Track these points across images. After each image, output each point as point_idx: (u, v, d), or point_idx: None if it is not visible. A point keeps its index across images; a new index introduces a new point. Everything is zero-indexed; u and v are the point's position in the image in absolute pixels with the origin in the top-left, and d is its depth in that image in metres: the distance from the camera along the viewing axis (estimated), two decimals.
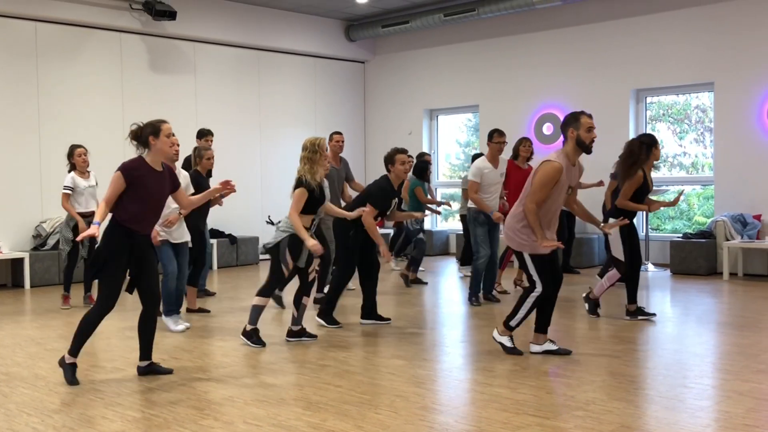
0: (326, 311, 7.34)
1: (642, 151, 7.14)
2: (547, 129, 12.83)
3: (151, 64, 12.21)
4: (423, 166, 10.38)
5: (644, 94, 12.14)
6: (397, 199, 7.42)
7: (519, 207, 5.84)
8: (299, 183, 6.33)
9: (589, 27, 12.37)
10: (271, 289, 6.53)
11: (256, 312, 6.48)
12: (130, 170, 5.22)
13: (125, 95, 11.92)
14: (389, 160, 7.35)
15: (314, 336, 6.71)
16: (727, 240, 10.55)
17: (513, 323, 5.99)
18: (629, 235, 7.26)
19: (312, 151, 6.35)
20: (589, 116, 5.76)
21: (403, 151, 7.40)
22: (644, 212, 7.25)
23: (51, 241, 10.69)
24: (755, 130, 10.88)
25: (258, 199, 13.44)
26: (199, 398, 4.93)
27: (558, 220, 5.94)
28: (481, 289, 8.53)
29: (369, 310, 7.44)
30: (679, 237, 11.13)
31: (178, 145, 6.87)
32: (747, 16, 10.90)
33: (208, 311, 8.23)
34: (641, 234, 11.76)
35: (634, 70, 11.92)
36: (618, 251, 7.28)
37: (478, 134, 14.00)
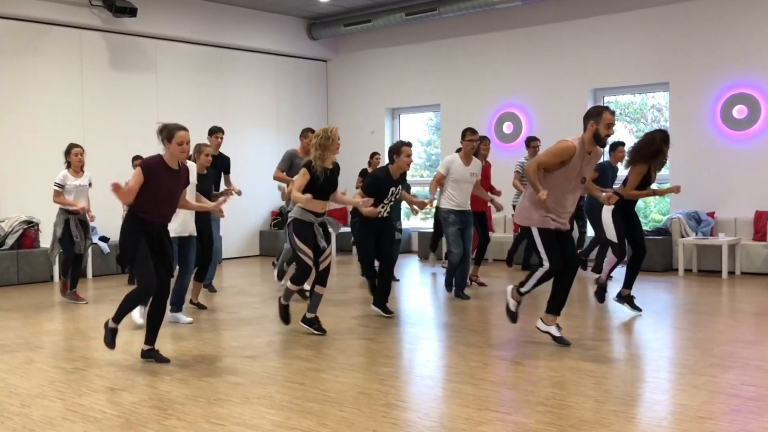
0: (379, 300, 7.62)
1: (661, 144, 7.27)
2: (507, 128, 12.96)
3: (111, 61, 12.08)
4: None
5: (602, 93, 12.34)
6: (398, 187, 7.54)
7: (527, 188, 6.10)
8: (305, 165, 6.61)
9: (549, 27, 12.53)
10: (301, 277, 6.67)
11: (288, 292, 6.82)
12: (148, 169, 5.65)
13: (85, 93, 11.77)
14: (395, 151, 7.52)
15: (323, 331, 6.75)
16: (682, 237, 10.78)
17: (523, 289, 6.21)
18: (625, 221, 7.43)
19: (325, 137, 6.58)
20: (612, 113, 5.97)
21: (409, 144, 7.56)
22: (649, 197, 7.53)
23: (9, 241, 10.52)
24: (710, 129, 11.12)
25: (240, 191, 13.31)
26: (162, 398, 4.92)
27: (572, 208, 6.11)
28: (453, 280, 8.67)
29: (381, 299, 7.64)
30: None
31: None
32: (702, 17, 11.14)
33: (205, 307, 8.29)
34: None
35: (593, 70, 12.10)
36: (612, 234, 7.49)
37: (440, 133, 14.10)
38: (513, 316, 6.33)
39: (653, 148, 7.21)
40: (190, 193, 6.81)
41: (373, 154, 11.44)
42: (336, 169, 6.77)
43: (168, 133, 5.71)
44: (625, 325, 7.18)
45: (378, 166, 10.75)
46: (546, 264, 5.98)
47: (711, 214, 10.99)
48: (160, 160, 5.72)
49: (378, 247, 7.53)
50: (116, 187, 5.51)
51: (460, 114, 13.45)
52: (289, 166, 9.19)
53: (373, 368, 5.59)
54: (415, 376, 5.49)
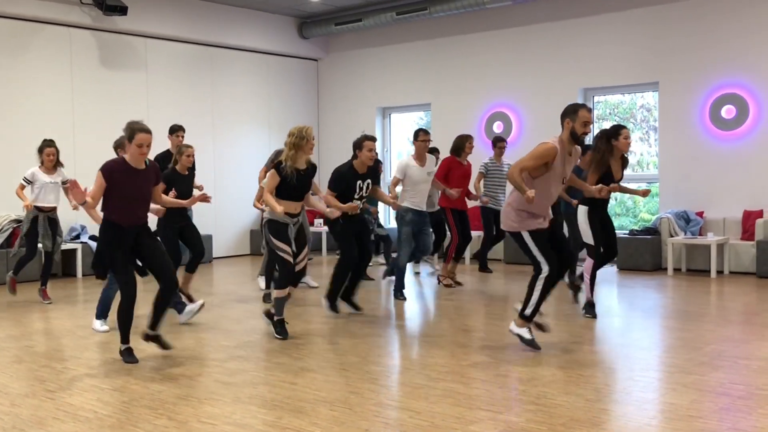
0: (331, 297, 7.57)
1: (602, 143, 7.27)
2: (498, 127, 12.99)
3: (101, 59, 12.04)
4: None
5: (592, 93, 12.38)
6: (366, 182, 7.45)
7: (510, 195, 6.04)
8: (275, 166, 6.55)
9: (539, 27, 12.56)
10: (284, 280, 6.58)
11: (279, 303, 6.65)
12: (108, 171, 5.62)
13: (75, 91, 11.73)
14: (357, 145, 7.50)
15: (285, 335, 6.61)
16: (672, 236, 10.83)
17: (528, 312, 5.97)
18: (601, 224, 7.32)
19: (299, 137, 6.49)
20: (589, 110, 5.94)
21: (372, 138, 7.53)
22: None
23: None
24: (698, 129, 11.18)
25: (212, 197, 13.30)
26: (153, 397, 4.91)
27: (547, 210, 6.06)
28: (403, 286, 8.63)
29: (347, 293, 7.67)
30: (625, 234, 11.38)
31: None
32: (691, 18, 11.20)
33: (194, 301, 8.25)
34: None
35: (582, 70, 12.15)
36: (588, 236, 7.33)
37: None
38: (533, 344, 6.00)
39: (598, 156, 7.22)
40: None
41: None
42: (311, 169, 6.66)
43: (130, 132, 5.61)
44: (614, 324, 7.21)
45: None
46: (545, 268, 5.86)
47: (700, 214, 11.05)
48: (122, 162, 5.68)
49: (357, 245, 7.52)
50: (73, 185, 5.53)
51: (450, 113, 13.47)
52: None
53: (364, 368, 5.59)
54: (405, 375, 5.50)
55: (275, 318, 6.69)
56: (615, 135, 7.27)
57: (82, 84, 11.80)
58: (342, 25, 14.02)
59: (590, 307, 7.39)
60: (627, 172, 12.47)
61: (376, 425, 4.29)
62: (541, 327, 6.13)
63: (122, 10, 11.52)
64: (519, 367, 5.54)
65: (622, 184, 7.52)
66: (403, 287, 8.59)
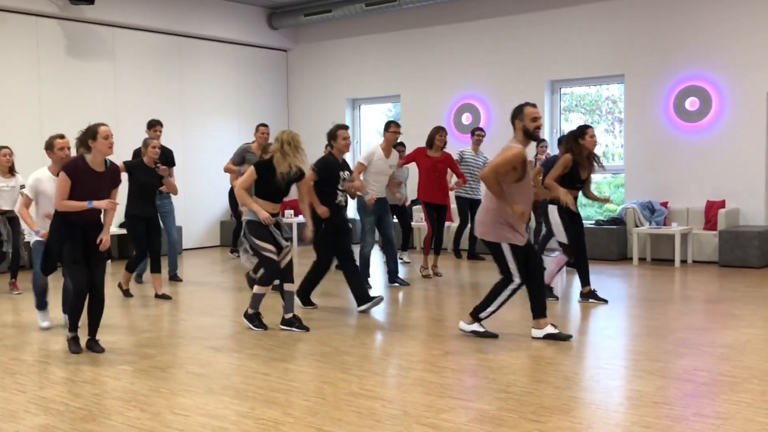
0: (303, 293, 7.57)
1: (568, 141, 7.46)
2: (466, 119, 13.08)
3: (68, 49, 11.89)
4: None
5: (559, 85, 12.51)
6: (346, 172, 7.55)
7: (490, 203, 5.98)
8: (258, 164, 6.57)
9: (507, 19, 12.65)
10: (269, 277, 6.58)
11: (256, 299, 6.63)
12: (71, 170, 5.70)
13: (42, 81, 11.57)
14: (332, 135, 7.54)
15: (306, 328, 6.59)
16: (637, 226, 11.01)
17: (483, 315, 6.11)
18: (571, 221, 7.49)
19: (295, 145, 6.46)
20: (533, 106, 5.98)
21: (345, 127, 7.59)
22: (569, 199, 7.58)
23: None
24: (663, 121, 11.37)
25: (180, 188, 13.16)
26: (125, 389, 4.91)
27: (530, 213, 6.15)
28: (368, 274, 8.67)
29: (361, 294, 7.48)
30: (591, 224, 11.54)
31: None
32: (657, 11, 11.36)
33: (170, 297, 8.33)
34: None
35: (550, 62, 12.27)
36: (561, 235, 7.50)
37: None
38: (490, 335, 6.15)
39: (563, 151, 7.45)
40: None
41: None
42: (301, 174, 6.64)
43: (91, 132, 5.73)
44: (581, 313, 7.33)
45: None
46: (516, 280, 5.98)
47: (664, 204, 11.24)
48: (82, 162, 5.75)
49: (338, 241, 7.45)
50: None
51: (419, 105, 13.53)
52: (241, 160, 9.33)
53: (336, 358, 5.64)
54: (378, 365, 5.56)
55: (249, 311, 6.69)
56: (581, 134, 7.45)
57: (49, 74, 11.65)
58: (311, 16, 13.98)
59: (548, 291, 7.63)
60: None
61: (348, 415, 4.33)
62: (490, 334, 6.21)
63: (89, 0, 11.38)
64: (489, 356, 5.62)
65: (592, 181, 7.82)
66: (368, 276, 8.62)
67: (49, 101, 11.62)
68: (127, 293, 8.39)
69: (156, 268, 8.28)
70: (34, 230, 6.58)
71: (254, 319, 6.67)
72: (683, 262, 10.63)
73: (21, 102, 11.33)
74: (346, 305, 7.85)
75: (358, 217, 8.95)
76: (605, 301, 7.68)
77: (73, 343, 5.93)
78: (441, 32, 13.37)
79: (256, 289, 6.62)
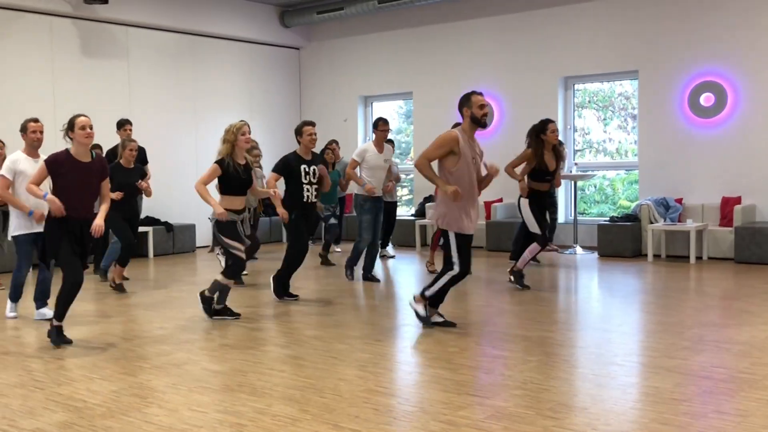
0: (280, 283, 7.82)
1: (531, 137, 8.08)
2: None
3: (82, 48, 11.94)
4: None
5: (572, 81, 12.46)
6: (312, 167, 7.71)
7: (440, 193, 6.32)
8: (218, 161, 6.91)
9: (520, 15, 12.61)
10: (233, 272, 6.88)
11: (216, 285, 6.88)
12: (52, 162, 5.86)
13: (56, 81, 11.63)
14: (298, 132, 7.87)
15: (237, 315, 6.99)
16: (651, 223, 10.96)
17: (427, 293, 6.36)
18: (540, 211, 8.12)
19: (233, 133, 6.91)
20: (480, 94, 6.24)
21: (310, 123, 7.87)
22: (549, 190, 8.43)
23: None
24: (677, 117, 11.31)
25: (192, 186, 13.27)
26: (142, 386, 4.93)
27: (475, 199, 6.29)
28: (356, 265, 9.05)
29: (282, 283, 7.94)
30: (605, 220, 11.50)
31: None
32: (671, 6, 11.29)
33: (125, 291, 8.52)
34: (569, 218, 12.14)
35: (563, 58, 12.22)
36: (533, 226, 8.09)
37: (411, 121, 14.16)
38: (426, 320, 6.40)
39: (530, 151, 8.08)
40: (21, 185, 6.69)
41: (330, 142, 11.53)
42: (249, 165, 6.97)
43: (69, 123, 5.89)
44: (596, 310, 7.31)
45: (340, 157, 11.17)
46: (456, 268, 6.19)
47: (679, 201, 11.18)
48: (66, 154, 5.86)
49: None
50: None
51: (432, 102, 13.51)
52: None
53: (351, 355, 5.64)
54: (394, 362, 5.56)
55: (206, 293, 6.93)
56: (543, 130, 8.05)
57: (64, 73, 11.71)
58: (324, 14, 13.99)
59: (519, 277, 8.17)
60: (608, 159, 12.68)
61: (365, 411, 4.33)
62: (426, 320, 6.44)
63: None
64: (505, 353, 5.61)
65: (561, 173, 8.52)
66: (354, 264, 9.03)
67: (63, 100, 11.66)
68: (120, 288, 8.51)
69: (124, 261, 8.52)
70: (27, 212, 6.64)
71: (205, 302, 6.94)
72: (698, 258, 10.57)
73: (36, 101, 11.36)
74: (357, 303, 7.85)
75: (355, 213, 9.07)
76: (527, 287, 8.11)
77: (55, 333, 6.04)
78: (453, 29, 13.35)
79: (220, 278, 6.87)
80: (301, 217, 7.63)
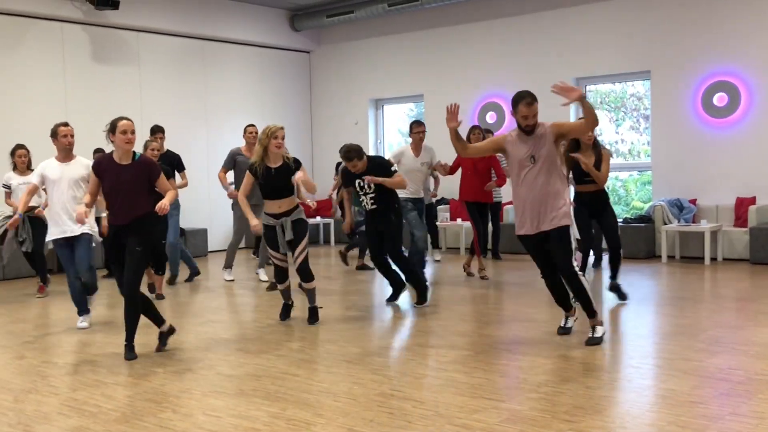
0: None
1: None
2: (491, 117, 13.02)
3: (93, 54, 12.00)
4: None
5: (584, 82, 12.41)
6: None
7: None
8: (248, 166, 6.76)
9: (531, 17, 12.58)
10: (276, 278, 6.96)
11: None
12: (95, 166, 5.81)
13: (68, 86, 11.69)
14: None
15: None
16: (665, 224, 10.90)
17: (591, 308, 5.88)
18: (579, 216, 7.53)
19: (266, 136, 6.72)
20: (529, 103, 5.92)
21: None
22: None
23: None
24: (690, 117, 11.24)
25: (205, 191, 13.34)
26: (156, 391, 4.93)
27: (536, 203, 5.76)
28: (424, 267, 8.79)
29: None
30: (619, 222, 11.41)
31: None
32: (683, 6, 11.24)
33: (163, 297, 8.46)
34: None
35: (575, 59, 12.18)
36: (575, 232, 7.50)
37: None
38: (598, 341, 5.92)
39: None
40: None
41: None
42: (284, 167, 6.66)
43: (111, 125, 5.76)
44: (611, 312, 7.26)
45: None
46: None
47: (693, 201, 11.12)
48: (108, 157, 5.76)
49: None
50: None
51: (443, 104, 13.34)
52: (232, 164, 9.32)
53: (365, 358, 5.62)
54: (408, 365, 5.53)
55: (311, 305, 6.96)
56: (514, 104, 7.27)
57: (75, 79, 11.77)
58: (334, 17, 14.00)
59: (616, 289, 7.68)
60: (621, 160, 12.60)
61: (380, 415, 4.32)
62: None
63: (113, 5, 11.50)
64: (519, 356, 5.58)
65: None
66: (424, 267, 8.75)
67: (75, 106, 11.72)
68: (159, 296, 8.42)
69: (160, 270, 8.42)
70: (17, 212, 6.92)
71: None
72: (713, 259, 10.50)
73: (48, 107, 11.44)
74: (370, 307, 7.83)
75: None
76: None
77: (126, 350, 5.82)
78: (464, 31, 13.33)
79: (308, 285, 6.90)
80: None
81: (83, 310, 7.03)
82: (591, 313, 5.89)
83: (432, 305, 7.83)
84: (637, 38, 11.62)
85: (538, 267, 6.02)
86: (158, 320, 5.99)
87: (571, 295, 6.04)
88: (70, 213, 6.63)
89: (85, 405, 4.68)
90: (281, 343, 6.19)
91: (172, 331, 6.10)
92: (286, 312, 7.09)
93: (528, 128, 5.87)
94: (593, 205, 7.64)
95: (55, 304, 8.46)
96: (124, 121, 5.73)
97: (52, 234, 6.82)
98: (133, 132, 5.74)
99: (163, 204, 5.61)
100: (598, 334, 5.84)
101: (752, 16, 10.70)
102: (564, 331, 6.17)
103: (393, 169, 7.53)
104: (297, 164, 6.73)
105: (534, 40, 12.56)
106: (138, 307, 5.78)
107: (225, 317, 7.45)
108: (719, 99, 10.96)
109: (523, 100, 5.92)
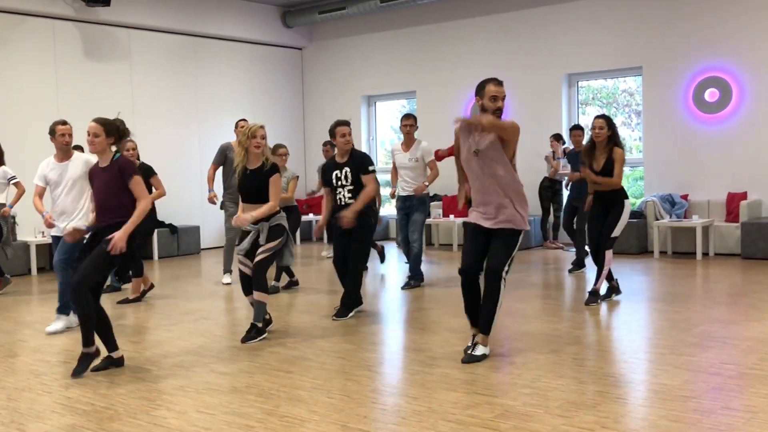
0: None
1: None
2: None
3: (85, 51, 11.95)
4: None
5: (576, 78, 12.44)
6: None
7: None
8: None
9: (523, 13, 12.59)
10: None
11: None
12: (89, 174, 5.64)
13: (59, 83, 11.64)
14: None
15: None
16: (657, 219, 10.93)
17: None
18: (596, 216, 7.51)
19: (246, 136, 6.21)
20: (497, 84, 5.64)
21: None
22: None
23: None
24: (682, 113, 11.28)
25: (198, 188, 13.30)
26: (150, 389, 4.92)
27: (488, 194, 5.44)
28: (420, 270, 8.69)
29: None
30: None
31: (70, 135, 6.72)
32: (674, 2, 11.27)
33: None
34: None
35: (567, 55, 12.20)
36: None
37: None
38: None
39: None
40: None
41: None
42: (260, 170, 6.18)
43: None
44: (603, 308, 7.28)
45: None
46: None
47: (684, 197, 11.16)
48: (96, 161, 5.57)
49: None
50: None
51: (436, 100, 13.49)
52: (223, 159, 9.13)
53: (359, 355, 5.63)
54: (401, 361, 5.55)
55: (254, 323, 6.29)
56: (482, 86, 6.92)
57: (66, 76, 11.72)
58: (326, 14, 13.98)
59: (612, 290, 7.59)
60: None
61: (374, 411, 4.33)
62: None
63: (105, 1, 11.46)
64: (512, 351, 5.59)
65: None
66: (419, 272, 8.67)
67: (66, 103, 11.68)
68: (141, 296, 8.28)
69: (138, 273, 8.21)
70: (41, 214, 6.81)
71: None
72: (705, 254, 10.55)
73: (38, 104, 11.39)
74: (365, 304, 7.84)
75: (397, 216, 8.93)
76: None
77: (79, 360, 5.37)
78: (456, 27, 13.33)
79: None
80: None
81: (65, 309, 6.78)
82: (487, 329, 5.35)
83: (425, 302, 7.84)
84: (629, 34, 11.65)
85: (467, 261, 5.40)
86: (110, 345, 5.46)
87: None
88: (70, 214, 6.58)
89: (79, 403, 4.67)
90: (274, 341, 6.19)
91: (120, 362, 5.50)
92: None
93: (498, 112, 5.55)
94: (607, 203, 7.40)
95: (45, 303, 8.43)
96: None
97: (53, 232, 6.82)
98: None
99: (116, 238, 5.09)
100: (477, 353, 5.34)
101: (743, 12, 10.73)
102: (471, 358, 5.33)
103: (371, 168, 7.04)
104: (273, 169, 6.18)
105: (526, 35, 12.57)
106: (84, 305, 5.17)
107: (219, 315, 7.44)
108: (710, 95, 11.00)
109: (493, 80, 5.58)
